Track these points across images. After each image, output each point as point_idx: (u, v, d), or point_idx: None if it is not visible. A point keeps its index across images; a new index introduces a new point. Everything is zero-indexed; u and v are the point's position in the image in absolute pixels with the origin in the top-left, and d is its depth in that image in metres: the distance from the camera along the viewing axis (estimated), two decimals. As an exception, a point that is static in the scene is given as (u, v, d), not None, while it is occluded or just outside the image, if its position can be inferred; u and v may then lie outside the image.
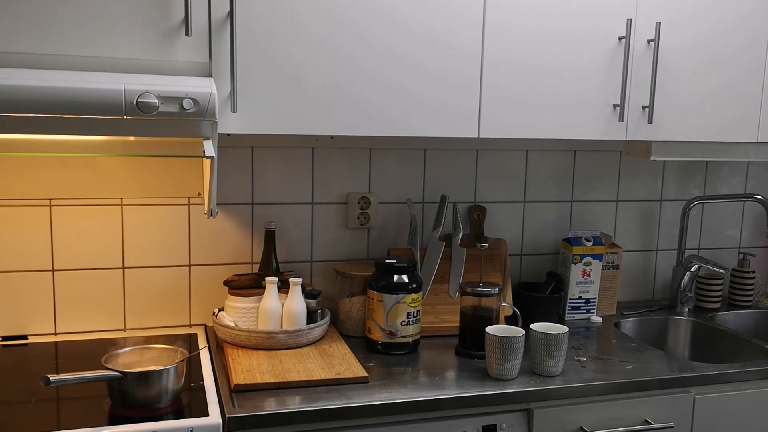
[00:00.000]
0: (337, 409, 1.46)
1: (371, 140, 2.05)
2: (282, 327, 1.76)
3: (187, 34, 1.51)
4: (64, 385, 1.43)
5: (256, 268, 2.00)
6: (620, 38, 1.83)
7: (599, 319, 2.16)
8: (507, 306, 1.90)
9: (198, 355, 1.74)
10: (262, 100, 1.61)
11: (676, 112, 1.93)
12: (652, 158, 2.01)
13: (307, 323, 1.79)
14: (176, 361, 1.47)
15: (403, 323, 1.80)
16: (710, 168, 2.45)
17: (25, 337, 1.85)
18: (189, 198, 1.93)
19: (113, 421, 1.36)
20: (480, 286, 1.83)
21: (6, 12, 1.42)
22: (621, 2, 1.83)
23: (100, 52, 1.48)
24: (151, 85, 1.40)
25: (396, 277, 1.80)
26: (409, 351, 1.82)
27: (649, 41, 1.86)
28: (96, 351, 1.65)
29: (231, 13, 1.54)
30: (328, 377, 1.57)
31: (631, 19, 1.82)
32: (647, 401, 1.70)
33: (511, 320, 1.90)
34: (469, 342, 1.82)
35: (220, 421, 1.39)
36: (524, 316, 1.85)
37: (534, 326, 1.71)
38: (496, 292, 1.82)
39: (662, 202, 2.42)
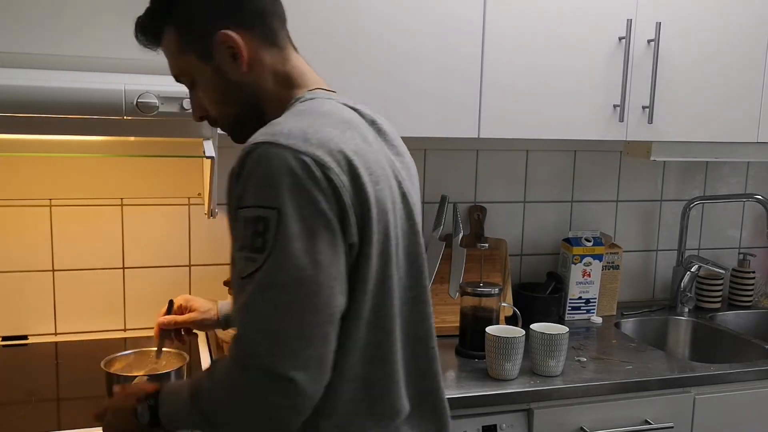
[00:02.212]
0: (337, 409, 1.46)
1: (371, 140, 2.05)
2: (282, 327, 1.76)
3: (187, 34, 1.51)
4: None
5: (256, 268, 2.00)
6: (620, 38, 1.83)
7: (599, 320, 2.16)
8: (507, 306, 1.90)
9: (198, 355, 1.74)
10: (262, 100, 1.60)
11: (676, 112, 1.93)
12: (652, 158, 2.01)
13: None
14: (179, 364, 1.47)
15: (403, 323, 1.80)
16: (710, 168, 2.45)
17: (25, 337, 1.85)
18: (189, 198, 1.93)
19: (113, 421, 1.36)
20: (480, 286, 1.83)
21: (6, 12, 1.42)
22: (621, 2, 1.82)
23: (100, 52, 1.48)
24: (152, 85, 1.40)
25: (396, 277, 1.80)
26: (409, 351, 1.82)
27: (649, 41, 1.86)
28: (96, 351, 1.65)
29: (231, 13, 1.54)
30: (328, 377, 1.57)
31: (631, 19, 1.82)
32: (647, 401, 1.70)
33: (511, 320, 1.90)
34: (469, 342, 1.82)
35: (220, 421, 1.39)
36: (524, 316, 1.85)
37: (534, 326, 1.71)
38: (496, 292, 1.82)
39: (662, 202, 2.42)
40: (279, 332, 0.87)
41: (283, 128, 0.93)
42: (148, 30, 1.09)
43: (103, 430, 1.12)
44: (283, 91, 1.07)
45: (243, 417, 0.91)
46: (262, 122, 1.00)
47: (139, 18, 1.10)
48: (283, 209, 0.88)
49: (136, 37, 1.10)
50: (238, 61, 1.04)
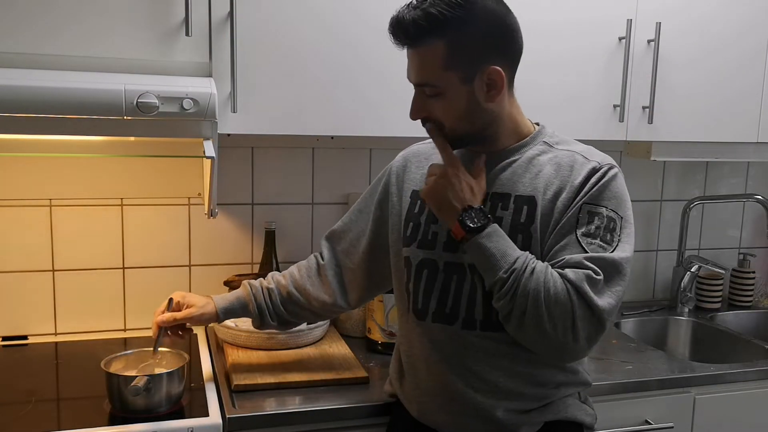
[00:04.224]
0: (337, 409, 1.46)
1: (371, 140, 2.05)
2: (282, 327, 1.76)
3: (187, 34, 1.51)
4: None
5: (256, 269, 2.00)
6: (620, 38, 1.83)
7: (599, 319, 2.16)
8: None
9: (198, 355, 1.74)
10: (262, 100, 1.60)
11: (676, 112, 1.93)
12: (652, 158, 2.01)
13: (307, 323, 1.79)
14: (179, 364, 1.47)
15: (403, 323, 1.79)
16: (710, 168, 2.45)
17: (25, 337, 1.85)
18: (189, 198, 1.93)
19: (113, 422, 1.37)
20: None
21: (6, 12, 1.42)
22: (621, 2, 1.82)
23: (100, 52, 1.48)
24: (152, 86, 1.40)
25: (396, 277, 1.80)
26: (409, 351, 1.82)
27: (649, 41, 1.86)
28: (96, 351, 1.65)
29: (231, 13, 1.54)
30: (328, 377, 1.57)
31: (631, 19, 1.82)
32: (647, 401, 1.70)
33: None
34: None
35: (221, 421, 1.39)
36: (524, 316, 1.85)
37: (534, 326, 1.70)
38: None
39: (662, 202, 2.42)
40: None
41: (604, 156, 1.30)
42: (413, 32, 1.15)
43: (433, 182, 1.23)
44: (517, 119, 1.29)
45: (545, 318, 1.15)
46: (480, 141, 1.25)
47: (409, 15, 1.15)
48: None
49: (395, 29, 1.17)
50: (492, 92, 1.20)
